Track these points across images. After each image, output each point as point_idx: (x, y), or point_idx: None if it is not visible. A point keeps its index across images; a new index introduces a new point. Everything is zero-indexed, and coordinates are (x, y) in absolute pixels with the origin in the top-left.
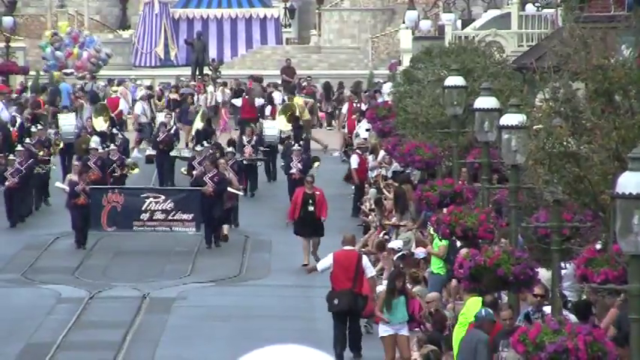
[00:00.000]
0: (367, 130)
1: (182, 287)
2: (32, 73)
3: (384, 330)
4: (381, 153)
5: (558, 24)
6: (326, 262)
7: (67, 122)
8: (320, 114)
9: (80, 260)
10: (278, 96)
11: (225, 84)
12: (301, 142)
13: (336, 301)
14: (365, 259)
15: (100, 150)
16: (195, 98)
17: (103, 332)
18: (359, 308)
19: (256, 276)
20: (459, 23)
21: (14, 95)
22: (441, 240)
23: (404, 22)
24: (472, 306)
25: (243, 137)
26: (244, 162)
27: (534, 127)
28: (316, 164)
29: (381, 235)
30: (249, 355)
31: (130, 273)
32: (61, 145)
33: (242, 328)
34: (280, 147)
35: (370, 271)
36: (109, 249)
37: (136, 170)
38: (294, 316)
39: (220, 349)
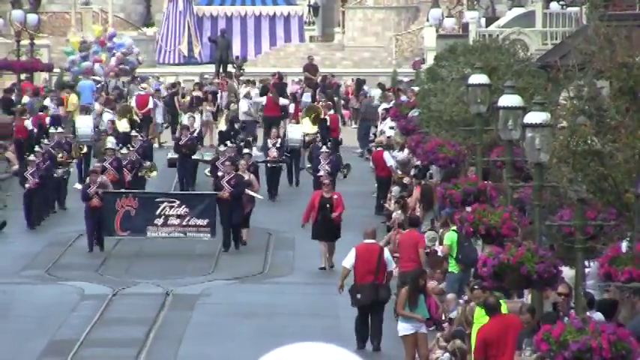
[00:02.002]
0: (391, 127)
1: (205, 284)
2: (56, 70)
3: (404, 329)
4: (405, 151)
5: (583, 22)
6: (350, 257)
7: (84, 124)
8: (345, 112)
9: (104, 257)
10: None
11: (248, 81)
12: (329, 144)
13: (359, 296)
14: (387, 252)
15: (125, 151)
16: (219, 95)
17: (127, 329)
18: (381, 300)
19: (279, 273)
20: (483, 21)
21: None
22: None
23: (428, 20)
24: None
25: (268, 140)
26: (268, 165)
27: (559, 126)
28: (345, 171)
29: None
30: (272, 353)
31: (154, 270)
32: (85, 149)
33: (265, 325)
34: (302, 151)
35: (391, 265)
36: (132, 246)
37: (154, 174)
38: (318, 313)
39: (243, 347)
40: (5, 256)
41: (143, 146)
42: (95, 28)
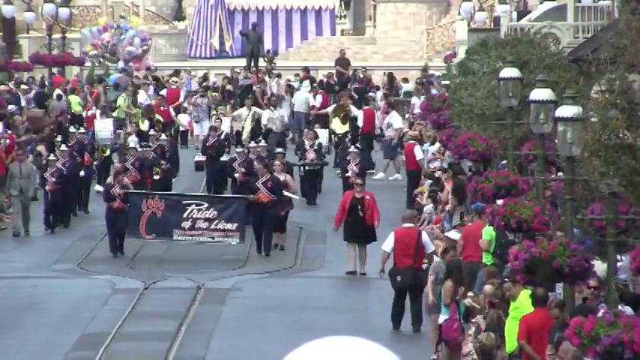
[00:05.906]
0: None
1: (237, 278)
2: (87, 64)
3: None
4: (436, 144)
5: (615, 16)
6: (389, 241)
7: (104, 128)
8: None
9: (135, 251)
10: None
11: (279, 75)
12: (358, 144)
13: (398, 278)
14: (425, 235)
15: (139, 149)
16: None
17: (158, 323)
18: (420, 283)
19: (311, 267)
20: (514, 15)
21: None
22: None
23: (459, 14)
24: (524, 299)
25: (305, 141)
26: (306, 167)
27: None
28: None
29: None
30: (303, 347)
31: (185, 264)
32: (107, 152)
33: (296, 319)
34: (328, 155)
35: (430, 247)
36: (163, 240)
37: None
38: (348, 307)
39: (274, 340)
40: (36, 250)
41: (162, 146)
42: (100, 20)
